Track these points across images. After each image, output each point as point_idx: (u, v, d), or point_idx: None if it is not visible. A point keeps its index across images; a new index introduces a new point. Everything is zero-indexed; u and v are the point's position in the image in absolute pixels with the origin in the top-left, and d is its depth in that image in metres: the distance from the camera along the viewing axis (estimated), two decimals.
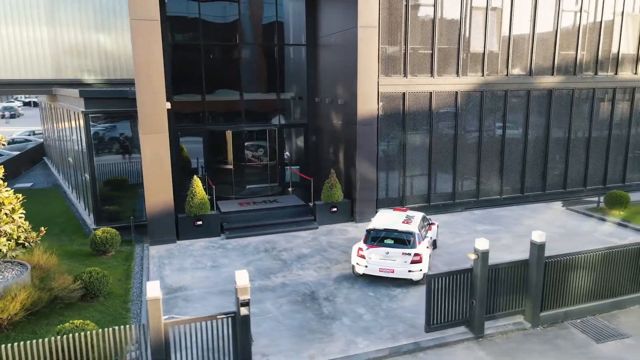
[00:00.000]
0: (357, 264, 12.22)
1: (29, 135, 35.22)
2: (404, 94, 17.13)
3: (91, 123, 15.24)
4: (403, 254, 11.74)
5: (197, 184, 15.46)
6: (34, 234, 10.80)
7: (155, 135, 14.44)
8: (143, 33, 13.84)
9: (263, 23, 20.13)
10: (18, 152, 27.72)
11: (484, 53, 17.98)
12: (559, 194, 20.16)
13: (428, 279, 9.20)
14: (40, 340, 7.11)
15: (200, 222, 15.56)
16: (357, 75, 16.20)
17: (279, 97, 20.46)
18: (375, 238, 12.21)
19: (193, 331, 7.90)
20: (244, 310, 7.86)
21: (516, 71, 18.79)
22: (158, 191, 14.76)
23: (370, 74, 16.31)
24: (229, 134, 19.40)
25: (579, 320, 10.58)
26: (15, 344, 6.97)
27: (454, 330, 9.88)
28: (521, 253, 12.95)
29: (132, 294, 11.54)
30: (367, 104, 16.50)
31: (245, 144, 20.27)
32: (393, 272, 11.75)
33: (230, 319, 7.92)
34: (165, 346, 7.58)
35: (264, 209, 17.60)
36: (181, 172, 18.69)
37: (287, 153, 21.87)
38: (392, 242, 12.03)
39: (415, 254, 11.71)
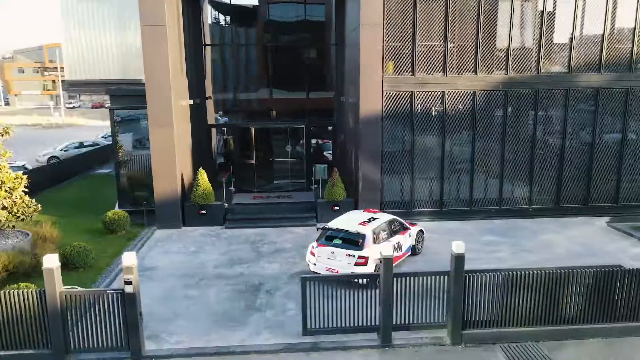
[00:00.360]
0: (308, 261, 12.35)
1: None
2: (412, 93, 16.53)
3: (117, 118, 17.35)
4: (347, 255, 11.61)
5: (202, 175, 16.72)
6: (31, 209, 12.85)
7: (162, 128, 15.97)
8: (151, 37, 15.40)
9: (291, 22, 20.81)
10: (109, 143, 32.01)
11: (508, 48, 16.54)
12: (607, 209, 17.70)
13: (302, 281, 9.13)
14: None
15: (204, 211, 16.80)
16: (360, 74, 16.07)
17: (308, 96, 20.96)
18: (329, 237, 12.22)
19: (88, 302, 8.91)
20: (128, 288, 8.68)
21: (551, 68, 16.94)
22: (165, 180, 16.31)
23: (374, 73, 16.05)
24: (254, 131, 20.45)
25: (514, 345, 9.56)
26: None
27: (365, 336, 9.62)
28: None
29: (108, 268, 13.09)
30: (371, 104, 16.27)
31: (272, 140, 21.19)
32: (337, 272, 11.68)
33: (119, 294, 8.79)
34: (61, 311, 8.72)
35: (272, 203, 18.33)
36: (212, 164, 20.21)
37: (317, 150, 22.29)
38: (340, 242, 11.95)
39: (360, 257, 11.49)
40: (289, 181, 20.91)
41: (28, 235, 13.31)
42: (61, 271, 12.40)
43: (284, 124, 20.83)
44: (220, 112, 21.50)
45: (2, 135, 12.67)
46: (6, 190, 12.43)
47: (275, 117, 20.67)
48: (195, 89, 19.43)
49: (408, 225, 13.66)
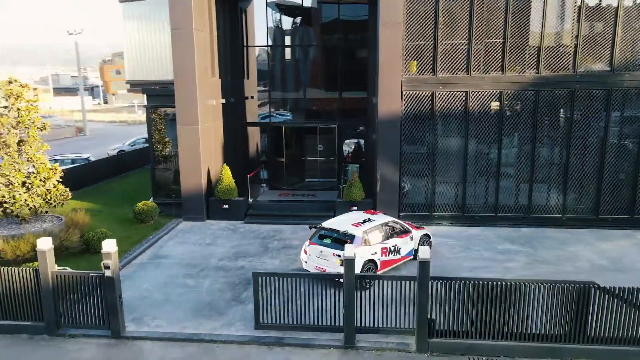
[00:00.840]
0: (301, 259, 12.55)
1: None
2: (433, 93, 16.06)
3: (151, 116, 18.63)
4: (334, 254, 11.64)
5: (226, 172, 17.50)
6: (62, 197, 14.30)
7: (188, 127, 16.95)
8: (179, 40, 16.39)
9: (324, 22, 21.00)
10: None
11: (540, 45, 15.48)
12: None
13: (254, 277, 9.32)
14: None
15: (226, 206, 17.58)
16: (379, 73, 15.94)
17: (341, 96, 21.06)
18: (321, 236, 12.33)
19: (75, 283, 9.82)
20: (107, 272, 9.47)
21: (591, 66, 15.61)
22: (191, 175, 17.29)
23: (393, 73, 15.83)
24: (285, 130, 20.95)
25: (484, 358, 9.09)
26: None
27: (332, 335, 9.65)
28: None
29: (125, 254, 14.19)
30: (390, 104, 16.06)
31: (304, 139, 21.55)
32: (325, 271, 11.76)
33: (99, 278, 9.61)
34: (52, 289, 9.72)
35: (295, 201, 18.71)
36: (247, 161, 21.01)
37: (348, 150, 22.33)
38: (329, 242, 12.01)
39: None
40: (319, 180, 21.16)
41: (61, 220, 14.82)
42: (83, 254, 13.80)
43: (316, 124, 21.11)
44: (262, 111, 22.16)
45: (41, 130, 14.22)
46: (41, 180, 13.95)
47: (310, 117, 21.03)
48: (231, 89, 20.31)
49: (410, 228, 13.36)
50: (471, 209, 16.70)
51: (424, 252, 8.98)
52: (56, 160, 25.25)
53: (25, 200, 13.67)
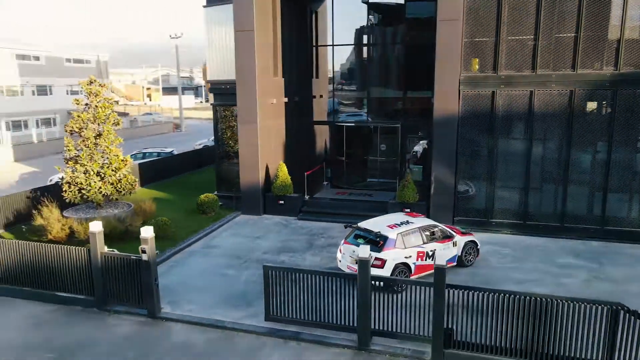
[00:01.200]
0: (337, 257, 12.58)
1: None
2: (493, 93, 15.16)
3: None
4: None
5: (282, 169, 18.03)
6: (129, 186, 15.73)
7: (247, 124, 17.71)
8: (242, 42, 17.18)
9: (389, 21, 20.65)
10: None
11: (620, 38, 13.92)
12: None
13: (265, 270, 9.45)
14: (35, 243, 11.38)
15: (282, 202, 18.10)
16: (435, 72, 15.43)
17: (405, 95, 20.64)
18: (357, 236, 12.26)
19: (119, 264, 10.79)
20: (143, 256, 10.31)
21: None
22: (249, 171, 18.07)
23: (450, 72, 15.23)
24: (348, 129, 21.02)
25: None
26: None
27: (348, 335, 9.59)
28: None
29: (181, 242, 15.24)
30: (446, 104, 15.48)
31: (366, 139, 21.43)
32: (356, 271, 11.67)
33: (137, 261, 10.48)
34: (101, 268, 10.79)
35: (351, 200, 18.73)
36: (309, 159, 21.40)
37: (416, 151, 21.76)
38: (363, 242, 11.89)
39: (377, 259, 11.30)
40: (380, 180, 20.94)
41: (130, 206, 16.31)
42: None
43: (379, 123, 20.90)
44: (329, 109, 22.41)
45: (115, 125, 15.77)
46: (112, 170, 15.48)
47: (374, 116, 20.88)
48: (296, 88, 20.83)
49: (453, 234, 12.76)
50: (534, 217, 15.50)
51: (441, 259, 8.58)
52: (144, 154, 27.71)
53: (99, 187, 15.25)
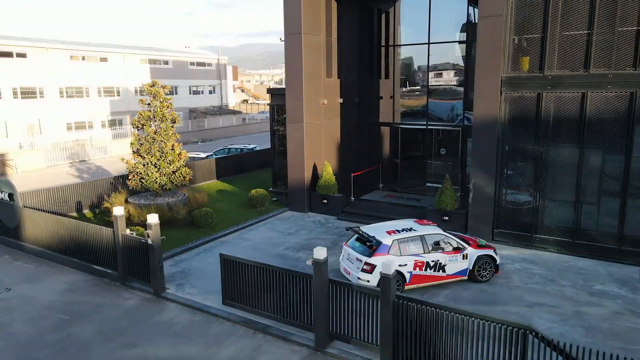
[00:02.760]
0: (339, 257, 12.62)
1: None
2: (539, 95, 13.73)
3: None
4: (357, 259, 11.42)
5: (327, 168, 18.36)
6: (180, 178, 17.40)
7: (295, 124, 18.37)
8: (291, 44, 17.85)
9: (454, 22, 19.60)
10: None
11: None
12: None
13: (221, 258, 10.03)
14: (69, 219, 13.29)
15: (325, 201, 18.44)
16: (476, 72, 14.50)
17: (467, 98, 19.51)
18: (358, 239, 12.16)
19: (132, 245, 12.16)
20: (148, 240, 11.53)
21: None
22: (296, 169, 18.72)
23: (491, 71, 14.17)
24: (405, 131, 20.53)
25: None
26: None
27: (309, 335, 9.70)
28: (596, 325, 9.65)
29: (219, 229, 16.46)
30: (487, 106, 14.45)
31: (426, 142, 20.70)
32: (349, 274, 11.64)
33: (144, 244, 11.74)
34: (122, 247, 12.30)
35: (395, 204, 18.36)
36: (364, 160, 21.40)
37: None
38: (359, 245, 11.77)
39: (367, 263, 11.14)
40: (438, 185, 20.04)
41: (185, 196, 18.05)
42: (189, 227, 16.56)
43: (439, 126, 20.06)
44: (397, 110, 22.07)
45: (172, 123, 17.57)
46: (167, 162, 17.31)
47: (428, 117, 20.11)
48: (358, 89, 20.94)
49: (465, 246, 11.93)
50: (585, 236, 13.70)
51: (385, 267, 8.28)
52: (229, 149, 30.00)
53: (156, 178, 17.17)
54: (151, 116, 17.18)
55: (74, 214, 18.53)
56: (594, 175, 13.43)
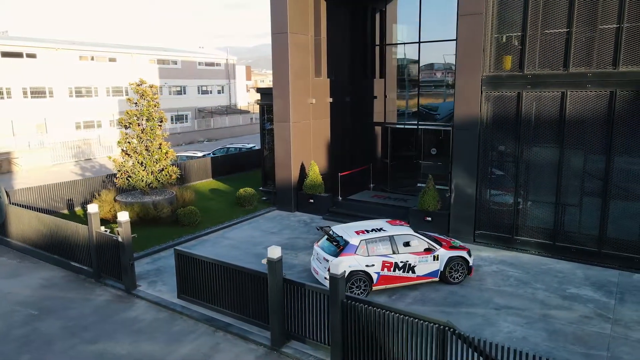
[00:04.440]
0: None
1: None
2: (519, 94, 13.50)
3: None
4: (324, 259, 11.38)
5: (313, 168, 18.33)
6: (166, 177, 17.56)
7: (282, 123, 18.38)
8: (277, 43, 17.86)
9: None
10: None
11: None
12: None
13: (175, 253, 10.04)
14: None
15: (312, 200, 18.42)
16: (455, 72, 14.32)
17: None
18: (328, 239, 12.11)
19: (104, 241, 12.31)
20: (119, 238, 11.66)
21: None
22: (283, 168, 18.74)
23: (472, 70, 13.98)
24: (396, 131, 20.38)
25: None
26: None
27: (267, 334, 9.68)
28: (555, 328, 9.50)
29: (204, 227, 16.58)
30: (467, 106, 14.26)
31: (416, 142, 20.51)
32: (318, 274, 11.61)
33: (115, 241, 11.86)
34: (96, 244, 12.47)
35: (381, 204, 18.24)
36: (355, 160, 21.30)
37: None
38: (327, 245, 11.73)
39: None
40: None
41: (172, 194, 18.21)
42: (173, 225, 16.71)
43: (428, 126, 19.86)
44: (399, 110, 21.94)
45: (160, 122, 17.74)
46: (154, 161, 17.48)
47: (414, 117, 19.94)
48: (350, 88, 20.85)
49: (436, 247, 11.78)
50: (567, 239, 13.42)
51: (336, 267, 8.23)
52: (228, 149, 30.18)
53: (142, 176, 17.36)
54: (138, 115, 17.38)
55: (66, 212, 18.86)
56: (575, 176, 13.15)
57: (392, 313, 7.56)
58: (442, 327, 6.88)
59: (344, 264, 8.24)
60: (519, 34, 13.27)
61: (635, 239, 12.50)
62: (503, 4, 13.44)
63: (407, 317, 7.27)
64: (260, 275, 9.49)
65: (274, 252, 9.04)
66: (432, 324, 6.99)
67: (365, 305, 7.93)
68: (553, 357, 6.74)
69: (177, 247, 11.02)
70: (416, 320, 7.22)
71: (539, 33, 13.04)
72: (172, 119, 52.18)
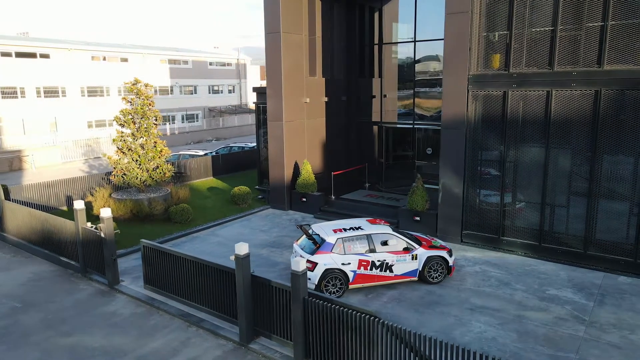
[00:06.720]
0: None
1: None
2: (504, 93, 13.35)
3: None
4: (300, 256, 11.43)
5: (305, 167, 18.40)
6: (160, 175, 17.82)
7: (275, 122, 18.49)
8: (271, 43, 17.98)
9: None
10: None
11: None
12: None
13: (142, 245, 10.26)
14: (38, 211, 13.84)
15: (304, 199, 18.49)
16: (443, 71, 14.24)
17: None
18: (308, 237, 12.16)
19: (89, 237, 12.58)
20: (102, 233, 11.90)
21: None
22: (276, 167, 18.86)
23: (458, 69, 13.89)
24: (391, 130, 20.31)
25: None
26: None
27: (236, 329, 9.79)
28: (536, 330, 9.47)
29: (195, 225, 16.79)
30: (454, 105, 14.17)
31: (412, 141, 20.41)
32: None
33: (98, 236, 12.11)
34: (81, 239, 12.75)
35: (372, 203, 18.22)
36: (351, 159, 21.30)
37: None
38: (305, 243, 11.79)
39: (308, 261, 11.14)
40: (426, 185, 19.70)
41: (167, 192, 18.47)
42: (165, 222, 16.96)
43: (424, 125, 19.76)
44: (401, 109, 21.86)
45: (155, 120, 18.02)
46: (149, 159, 17.75)
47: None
48: (347, 87, 20.87)
49: (415, 246, 11.74)
50: (553, 240, 13.23)
51: (297, 265, 8.28)
52: (231, 147, 30.41)
53: (137, 174, 17.66)
54: (133, 113, 17.67)
55: (64, 208, 19.27)
56: (561, 176, 12.96)
57: (342, 308, 7.61)
58: (369, 317, 6.97)
59: (304, 262, 8.28)
60: (505, 32, 13.12)
61: (621, 240, 12.26)
62: (490, 2, 13.31)
63: (340, 308, 7.46)
64: (229, 270, 9.58)
65: (241, 248, 9.13)
66: (361, 314, 7.19)
67: (325, 302, 7.96)
68: (499, 357, 6.63)
69: (143, 240, 11.36)
70: (347, 310, 7.40)
71: (525, 32, 12.88)
72: (182, 118, 52.88)
